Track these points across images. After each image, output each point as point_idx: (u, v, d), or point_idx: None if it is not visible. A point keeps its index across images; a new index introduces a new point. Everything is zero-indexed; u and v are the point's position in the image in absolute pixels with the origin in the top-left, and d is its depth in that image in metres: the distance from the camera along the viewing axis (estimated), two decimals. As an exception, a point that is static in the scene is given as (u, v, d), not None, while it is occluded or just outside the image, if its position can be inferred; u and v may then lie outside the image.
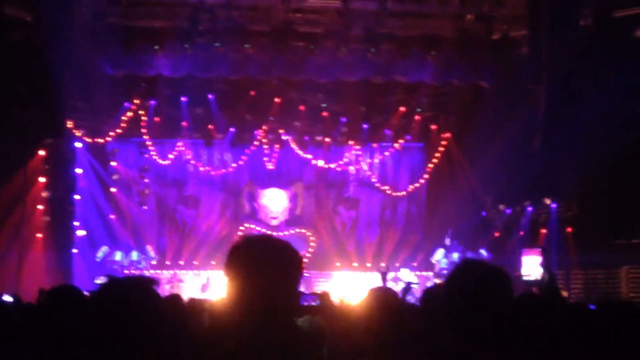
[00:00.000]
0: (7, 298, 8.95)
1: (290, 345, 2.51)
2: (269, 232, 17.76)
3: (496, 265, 2.94)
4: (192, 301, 7.19)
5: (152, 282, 3.03)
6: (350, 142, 19.04)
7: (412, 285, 9.83)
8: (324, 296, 7.25)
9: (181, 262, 18.51)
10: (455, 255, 17.00)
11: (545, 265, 14.46)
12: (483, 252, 17.17)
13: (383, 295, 4.75)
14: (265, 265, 2.54)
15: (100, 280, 14.15)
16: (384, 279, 15.63)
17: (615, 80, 14.60)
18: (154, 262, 17.87)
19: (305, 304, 8.54)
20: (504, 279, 2.87)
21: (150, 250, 17.76)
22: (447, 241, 17.73)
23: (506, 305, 2.81)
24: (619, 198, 15.37)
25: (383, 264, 16.86)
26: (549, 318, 3.74)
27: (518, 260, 15.80)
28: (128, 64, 16.70)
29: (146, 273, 16.84)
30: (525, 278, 14.98)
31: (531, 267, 15.20)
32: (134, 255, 17.35)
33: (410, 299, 9.07)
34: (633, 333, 3.09)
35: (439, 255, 17.75)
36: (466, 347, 2.71)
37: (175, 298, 6.14)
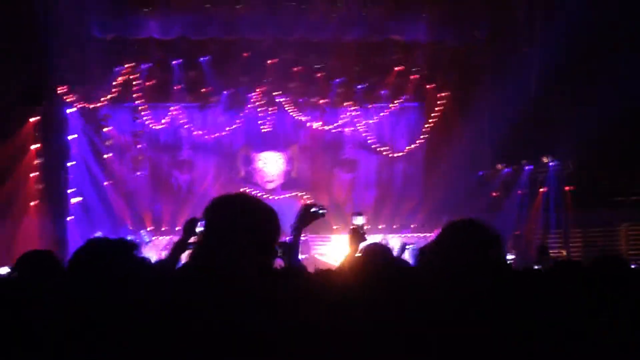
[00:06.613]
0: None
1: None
2: (265, 196, 17.67)
3: (490, 226, 2.92)
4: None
5: (132, 246, 3.03)
6: (346, 104, 18.82)
7: (408, 246, 9.62)
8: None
9: (177, 228, 18.37)
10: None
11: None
12: None
13: (376, 251, 4.57)
14: (233, 221, 2.69)
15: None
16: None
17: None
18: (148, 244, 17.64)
19: None
20: (498, 238, 2.86)
21: (145, 235, 17.55)
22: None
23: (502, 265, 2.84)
24: (618, 155, 15.21)
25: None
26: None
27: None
28: (118, 27, 16.44)
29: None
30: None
31: None
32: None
33: (407, 259, 8.93)
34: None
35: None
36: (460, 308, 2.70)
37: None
